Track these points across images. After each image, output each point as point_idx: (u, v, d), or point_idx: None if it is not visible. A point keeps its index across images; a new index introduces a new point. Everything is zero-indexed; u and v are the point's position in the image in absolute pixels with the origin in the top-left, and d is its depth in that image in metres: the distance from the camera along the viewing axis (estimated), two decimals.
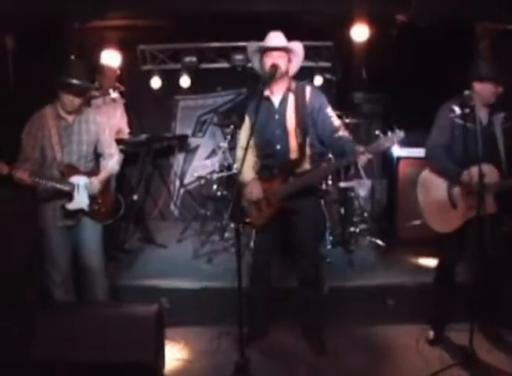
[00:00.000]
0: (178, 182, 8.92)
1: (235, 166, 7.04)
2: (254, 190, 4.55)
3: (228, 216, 6.73)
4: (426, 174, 4.85)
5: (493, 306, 4.87)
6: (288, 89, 4.51)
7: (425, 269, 5.75)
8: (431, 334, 4.98)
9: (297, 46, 4.46)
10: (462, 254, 4.80)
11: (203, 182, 7.74)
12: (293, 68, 4.56)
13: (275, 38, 4.42)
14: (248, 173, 4.61)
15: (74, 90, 4.46)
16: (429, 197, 4.82)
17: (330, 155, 5.53)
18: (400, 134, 4.01)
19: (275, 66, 4.31)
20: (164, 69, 8.30)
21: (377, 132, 4.07)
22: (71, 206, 4.57)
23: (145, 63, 8.24)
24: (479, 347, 4.41)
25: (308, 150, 4.51)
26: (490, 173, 4.38)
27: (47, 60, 6.08)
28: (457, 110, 4.58)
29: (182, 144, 8.73)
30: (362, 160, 4.08)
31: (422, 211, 4.86)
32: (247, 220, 4.61)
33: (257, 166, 4.72)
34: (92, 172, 4.72)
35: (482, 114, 4.56)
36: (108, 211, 4.85)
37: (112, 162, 4.85)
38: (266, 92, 4.53)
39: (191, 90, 8.52)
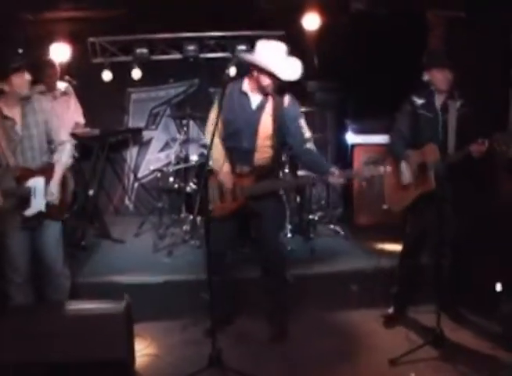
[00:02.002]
0: (132, 176, 8.81)
1: (192, 158, 7.03)
2: (226, 180, 4.53)
3: (195, 209, 6.64)
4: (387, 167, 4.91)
5: (454, 286, 4.97)
6: (270, 94, 4.51)
7: (384, 254, 5.82)
8: (391, 310, 5.15)
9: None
10: (423, 231, 4.94)
11: (159, 175, 7.63)
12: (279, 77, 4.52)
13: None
14: (222, 162, 4.57)
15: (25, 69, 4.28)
16: (388, 182, 5.07)
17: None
18: (380, 170, 4.35)
19: (270, 86, 4.41)
20: (114, 61, 8.16)
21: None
22: (29, 212, 4.38)
23: (95, 56, 8.08)
24: (444, 327, 4.47)
25: (272, 152, 4.58)
26: (433, 154, 4.60)
27: None
28: (416, 100, 4.83)
29: (136, 137, 8.62)
30: (333, 181, 4.39)
31: (385, 196, 5.16)
32: (209, 208, 4.57)
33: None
34: (47, 169, 4.48)
35: (438, 102, 4.76)
36: (66, 206, 4.71)
37: (64, 155, 4.58)
38: (244, 88, 4.54)
39: (143, 82, 8.41)
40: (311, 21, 7.07)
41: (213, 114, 4.62)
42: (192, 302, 5.12)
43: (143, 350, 4.70)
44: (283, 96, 4.53)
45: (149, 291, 5.44)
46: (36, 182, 4.39)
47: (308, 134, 4.50)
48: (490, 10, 5.46)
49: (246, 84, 4.54)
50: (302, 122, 4.56)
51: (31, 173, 4.40)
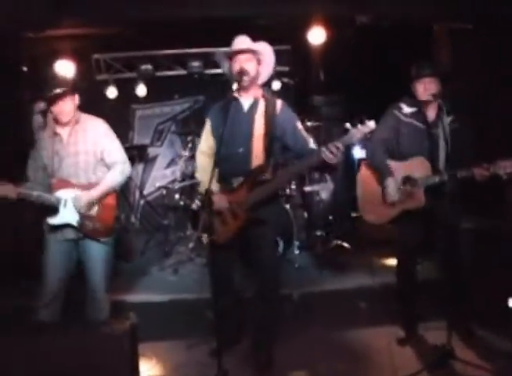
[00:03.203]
0: (137, 193, 8.78)
1: (196, 174, 6.95)
2: (220, 202, 4.31)
3: (199, 228, 6.57)
4: (363, 170, 4.95)
5: (465, 302, 4.86)
6: (262, 95, 4.38)
7: (393, 270, 5.70)
8: (402, 333, 4.93)
9: (263, 47, 4.32)
10: (416, 253, 4.86)
11: (164, 192, 7.58)
12: (265, 72, 4.41)
13: (240, 42, 4.30)
14: (213, 184, 4.26)
15: (57, 99, 4.26)
16: (364, 191, 4.92)
17: None
18: (371, 124, 3.86)
19: (242, 72, 4.18)
20: (119, 78, 8.16)
21: (347, 125, 3.93)
22: (54, 221, 4.30)
23: (100, 73, 8.09)
24: (455, 344, 4.35)
25: (270, 159, 4.37)
26: (421, 167, 4.49)
27: None
28: (405, 107, 4.68)
29: (141, 154, 8.59)
30: (328, 156, 3.85)
31: (359, 204, 4.98)
32: (212, 237, 4.38)
33: (217, 175, 4.44)
34: (90, 187, 4.37)
35: (429, 114, 4.64)
36: (107, 227, 4.45)
37: (111, 174, 4.46)
38: (235, 94, 4.37)
39: (148, 99, 8.44)
40: (317, 35, 7.01)
41: (203, 133, 4.56)
42: (198, 321, 5.01)
43: (148, 371, 4.59)
44: (275, 100, 4.38)
45: (154, 310, 5.37)
46: (69, 194, 4.31)
47: (312, 144, 4.33)
48: (498, 21, 5.39)
49: (236, 89, 4.37)
50: (299, 124, 4.38)
51: (67, 184, 4.33)
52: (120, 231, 8.32)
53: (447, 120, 4.47)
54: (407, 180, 4.55)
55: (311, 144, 4.29)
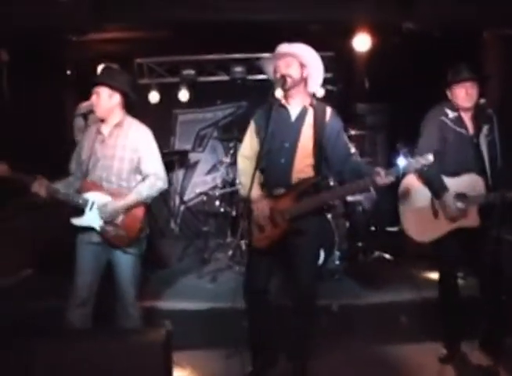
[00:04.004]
0: (178, 199, 8.76)
1: (237, 180, 6.89)
2: (261, 209, 4.15)
3: (238, 235, 6.50)
4: (409, 179, 4.62)
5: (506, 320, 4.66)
6: (310, 104, 4.20)
7: (436, 284, 5.52)
8: (443, 352, 4.72)
9: (302, 48, 4.12)
10: (458, 268, 4.72)
11: (205, 198, 7.52)
12: (314, 78, 4.22)
13: (281, 47, 4.15)
14: (255, 189, 4.16)
15: (96, 91, 4.27)
16: (410, 204, 4.61)
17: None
18: (429, 157, 3.76)
19: (283, 77, 4.05)
20: (161, 82, 8.16)
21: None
22: (77, 221, 4.27)
23: (142, 77, 8.11)
24: (501, 366, 4.19)
25: (313, 172, 4.20)
26: (476, 185, 4.28)
27: (42, 73, 5.94)
28: (450, 113, 4.43)
29: (182, 160, 8.61)
30: (381, 181, 3.79)
31: (401, 217, 4.69)
32: (247, 242, 4.29)
33: (260, 180, 4.33)
34: (120, 194, 4.30)
35: (467, 121, 4.43)
36: (128, 236, 4.33)
37: (141, 186, 4.35)
38: (282, 101, 4.22)
39: (190, 104, 8.42)
40: (362, 42, 6.89)
41: (247, 136, 4.40)
42: (235, 331, 4.89)
43: None
44: (324, 108, 4.22)
45: (190, 318, 5.31)
46: (97, 197, 4.27)
47: (353, 149, 4.21)
48: None
49: (284, 97, 4.22)
50: (345, 137, 4.27)
51: (97, 188, 4.29)
52: (158, 236, 8.38)
53: (484, 130, 4.32)
54: (459, 197, 4.33)
55: (354, 157, 4.23)
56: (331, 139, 4.13)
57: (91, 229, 4.30)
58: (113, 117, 4.36)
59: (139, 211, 4.38)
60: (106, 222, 4.26)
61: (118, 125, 4.36)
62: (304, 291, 4.27)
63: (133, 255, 4.39)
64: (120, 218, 4.30)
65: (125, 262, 4.38)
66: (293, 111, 4.21)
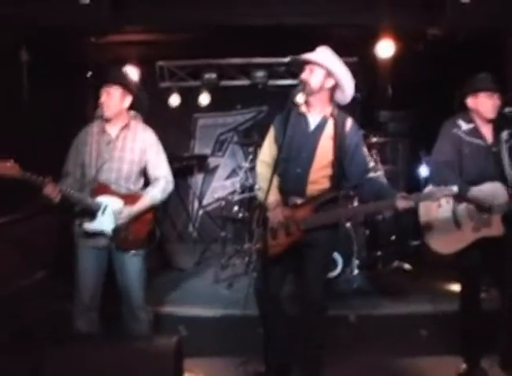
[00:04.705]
0: (196, 203, 8.75)
1: (257, 186, 6.84)
2: (276, 216, 4.08)
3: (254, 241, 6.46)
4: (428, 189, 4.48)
5: None
6: (330, 114, 4.10)
7: (456, 296, 5.39)
8: (463, 367, 4.60)
9: (330, 59, 3.99)
10: (481, 280, 4.55)
11: (223, 203, 7.46)
12: (345, 91, 4.09)
13: (317, 51, 4.05)
14: (273, 194, 4.09)
15: (107, 90, 4.21)
16: (431, 216, 4.49)
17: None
18: (454, 188, 3.76)
19: (302, 82, 3.98)
20: (182, 86, 8.14)
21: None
22: (90, 226, 4.21)
23: (163, 80, 8.09)
24: None
25: (329, 183, 4.13)
26: (500, 193, 4.16)
27: (61, 74, 5.92)
28: (463, 125, 4.33)
29: (202, 164, 8.61)
30: (401, 206, 3.77)
31: (422, 230, 4.57)
32: (258, 246, 4.23)
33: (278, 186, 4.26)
34: (131, 197, 4.29)
35: (486, 131, 4.32)
36: (138, 240, 4.34)
37: (154, 190, 4.36)
38: (302, 109, 4.13)
39: (210, 108, 8.41)
40: (385, 48, 6.80)
41: (266, 141, 4.34)
42: (250, 338, 4.84)
43: None
44: (345, 118, 4.12)
45: (204, 325, 5.26)
46: (110, 201, 4.22)
47: (371, 163, 4.12)
48: None
49: (305, 104, 4.12)
50: (365, 150, 4.17)
51: (108, 191, 4.24)
52: (176, 240, 8.35)
53: (504, 136, 4.22)
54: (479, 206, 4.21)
55: (371, 173, 4.13)
56: (349, 150, 4.05)
57: (97, 234, 4.25)
58: (121, 119, 4.34)
59: (149, 214, 4.38)
60: (117, 227, 4.23)
61: (126, 127, 4.34)
62: (312, 304, 4.20)
63: (140, 258, 4.37)
64: (130, 223, 4.29)
65: (133, 265, 4.35)
66: (313, 120, 4.13)
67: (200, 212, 8.80)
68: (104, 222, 4.21)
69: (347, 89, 4.08)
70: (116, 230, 4.23)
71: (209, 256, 7.38)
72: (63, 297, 5.03)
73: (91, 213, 4.21)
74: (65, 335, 4.38)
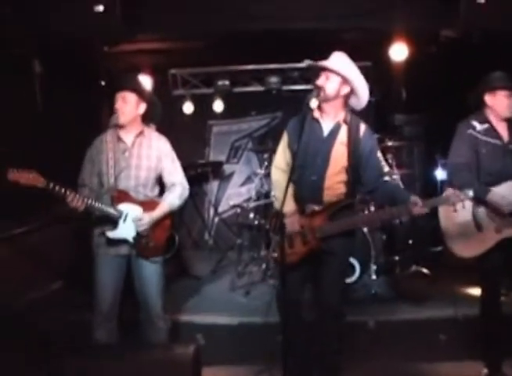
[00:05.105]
0: (212, 211, 8.74)
1: (272, 193, 6.82)
2: (292, 224, 4.04)
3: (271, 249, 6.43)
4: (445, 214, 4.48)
5: None
6: (344, 120, 4.07)
7: (476, 300, 5.33)
8: (484, 372, 4.53)
9: (346, 67, 3.96)
10: (502, 283, 4.52)
11: (239, 210, 7.43)
12: (360, 97, 4.06)
13: (332, 57, 4.02)
14: (289, 202, 4.04)
15: (122, 96, 4.23)
16: (451, 220, 4.43)
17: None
18: (469, 193, 3.74)
19: (317, 88, 3.93)
20: (196, 93, 8.14)
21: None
22: (112, 234, 4.21)
23: (176, 88, 8.10)
24: None
25: (345, 189, 4.12)
26: None
27: (75, 84, 5.92)
28: (478, 125, 4.31)
29: (217, 171, 8.59)
30: (416, 212, 3.77)
31: (443, 235, 4.52)
32: (275, 255, 4.21)
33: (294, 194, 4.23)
34: (149, 203, 4.31)
35: (501, 130, 4.29)
36: (158, 247, 4.37)
37: (172, 196, 4.39)
38: (316, 114, 4.10)
39: (224, 115, 8.42)
40: (399, 52, 6.77)
41: (280, 147, 4.33)
42: (268, 347, 4.79)
43: None
44: (358, 124, 4.10)
45: (222, 333, 5.23)
46: (130, 209, 4.24)
47: (386, 168, 4.07)
48: None
49: (318, 110, 4.09)
50: (380, 155, 4.13)
51: (128, 198, 4.26)
52: (192, 248, 8.33)
53: None
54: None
55: (387, 177, 4.08)
56: (364, 156, 4.03)
57: (120, 241, 4.26)
58: (136, 126, 4.35)
59: (167, 220, 4.41)
60: (138, 234, 4.23)
61: (140, 135, 4.35)
62: (329, 310, 4.18)
63: (159, 264, 4.38)
64: (150, 230, 4.29)
65: (152, 272, 4.35)
66: (326, 126, 4.11)
67: (216, 219, 8.78)
68: (126, 230, 4.22)
69: (363, 96, 4.05)
70: (137, 237, 4.24)
71: (225, 264, 7.33)
72: (79, 307, 5.04)
73: (113, 221, 4.22)
74: (83, 345, 4.37)
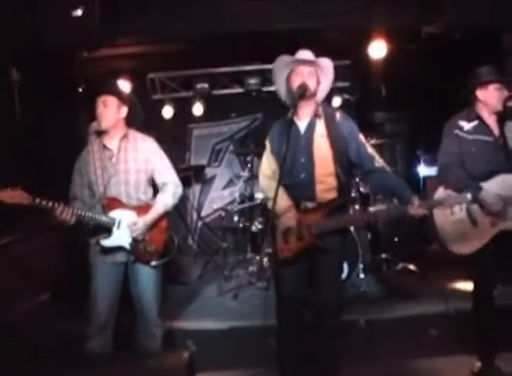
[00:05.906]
0: (195, 215, 8.67)
1: (257, 195, 6.79)
2: (288, 220, 4.05)
3: (261, 250, 6.39)
4: (440, 193, 4.40)
5: None
6: (315, 114, 4.08)
7: (467, 294, 5.33)
8: (477, 366, 4.50)
9: (328, 63, 4.05)
10: (496, 277, 4.46)
11: (223, 213, 7.37)
12: (323, 91, 4.13)
13: (306, 53, 4.06)
14: (282, 201, 4.05)
15: (103, 101, 4.18)
16: (446, 218, 4.37)
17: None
18: (468, 196, 3.81)
19: (304, 86, 3.90)
20: (175, 97, 8.09)
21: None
22: (107, 243, 4.15)
23: (155, 92, 8.05)
24: None
25: (336, 181, 4.08)
26: (510, 184, 4.11)
27: (53, 91, 5.84)
28: (465, 125, 4.29)
29: (198, 175, 8.56)
30: (413, 212, 3.76)
31: (438, 234, 4.44)
32: (270, 251, 4.20)
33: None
34: (143, 207, 4.25)
35: (492, 124, 4.26)
36: (157, 250, 4.29)
37: (165, 196, 4.32)
38: (290, 115, 4.04)
39: (204, 118, 8.37)
40: (378, 50, 6.77)
41: (264, 155, 4.35)
42: (260, 350, 4.76)
43: None
44: (333, 112, 4.11)
45: (212, 338, 5.17)
46: (123, 215, 4.17)
47: (370, 149, 4.05)
48: None
49: (292, 112, 4.03)
50: (362, 138, 4.09)
51: (120, 204, 4.20)
52: (176, 253, 8.25)
53: (510, 127, 4.18)
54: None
55: (378, 162, 4.02)
56: (345, 138, 4.03)
57: (116, 248, 4.20)
58: (119, 130, 4.29)
59: (164, 222, 4.36)
60: (135, 239, 4.18)
61: (124, 138, 4.29)
62: (327, 308, 4.16)
63: (156, 270, 4.31)
64: (147, 233, 4.24)
65: (149, 277, 4.30)
66: (302, 124, 4.12)
67: (199, 224, 8.72)
68: (121, 237, 4.16)
69: (327, 88, 4.14)
70: (133, 243, 4.18)
71: (211, 268, 7.29)
72: (68, 318, 4.97)
73: (107, 229, 4.16)
74: (75, 356, 4.31)
